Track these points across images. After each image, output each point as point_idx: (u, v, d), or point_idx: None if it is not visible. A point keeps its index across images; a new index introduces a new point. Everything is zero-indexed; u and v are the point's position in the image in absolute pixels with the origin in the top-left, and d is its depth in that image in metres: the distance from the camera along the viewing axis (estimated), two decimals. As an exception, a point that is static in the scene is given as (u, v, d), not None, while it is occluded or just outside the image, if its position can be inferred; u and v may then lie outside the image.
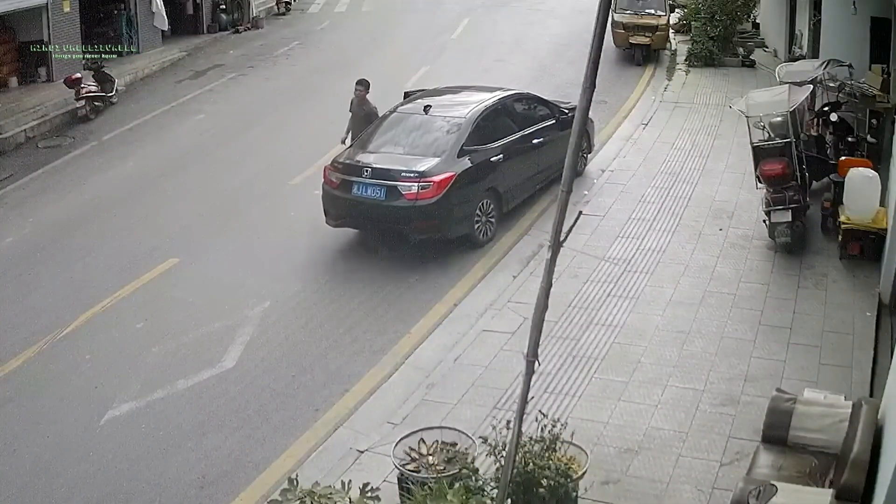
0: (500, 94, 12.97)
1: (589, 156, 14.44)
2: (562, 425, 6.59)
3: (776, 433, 6.82)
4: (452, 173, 11.17)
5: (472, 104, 12.45)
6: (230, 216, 13.22)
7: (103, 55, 20.10)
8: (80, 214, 13.67)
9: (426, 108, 12.31)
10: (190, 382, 9.10)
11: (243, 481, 7.67)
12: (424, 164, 11.23)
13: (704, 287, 10.47)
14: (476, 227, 11.57)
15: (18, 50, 19.68)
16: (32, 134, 17.54)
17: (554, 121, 13.35)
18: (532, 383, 5.28)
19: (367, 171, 11.29)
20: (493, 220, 11.87)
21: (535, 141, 12.75)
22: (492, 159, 11.83)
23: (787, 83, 12.82)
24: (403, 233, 11.28)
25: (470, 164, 11.48)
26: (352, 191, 11.33)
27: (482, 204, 11.62)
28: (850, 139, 12.88)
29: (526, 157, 12.58)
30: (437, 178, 11.03)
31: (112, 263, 11.81)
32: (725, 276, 10.72)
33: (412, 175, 11.07)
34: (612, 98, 18.11)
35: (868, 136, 13.05)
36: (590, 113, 4.85)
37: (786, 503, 5.74)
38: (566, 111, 13.66)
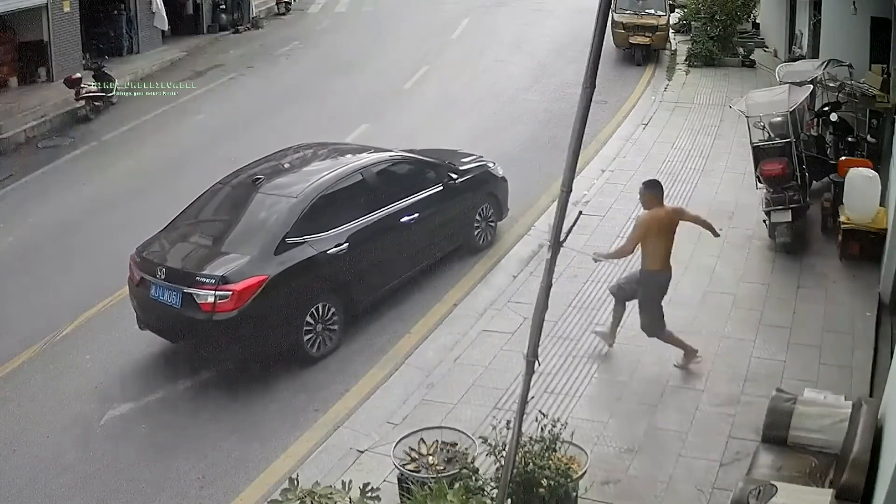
0: (359, 162, 10.35)
1: (500, 223, 12.10)
2: (562, 425, 6.60)
3: (776, 433, 6.83)
4: (262, 277, 8.71)
5: (314, 177, 9.85)
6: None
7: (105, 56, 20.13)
8: (80, 214, 13.67)
9: (256, 181, 9.84)
10: (190, 382, 9.11)
11: (243, 481, 7.67)
12: (226, 266, 8.74)
13: (704, 287, 10.47)
14: (307, 338, 9.15)
15: (18, 50, 19.68)
16: (32, 134, 17.52)
17: (441, 187, 10.89)
18: (532, 383, 5.28)
19: (161, 270, 8.97)
20: (333, 327, 9.41)
21: (405, 219, 10.29)
22: (329, 251, 9.30)
23: (787, 83, 12.81)
24: (200, 352, 9.17)
25: (293, 262, 9.01)
26: (150, 292, 9.04)
27: (316, 309, 9.21)
28: (850, 139, 12.88)
29: (389, 241, 10.11)
30: (238, 286, 8.55)
31: (112, 263, 11.76)
32: (725, 276, 10.72)
33: (208, 281, 8.62)
34: (612, 98, 18.11)
35: (868, 136, 13.06)
36: (588, 115, 4.81)
37: (786, 503, 5.74)
38: (460, 172, 11.32)
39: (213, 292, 8.56)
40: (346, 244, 9.45)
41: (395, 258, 10.22)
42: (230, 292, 8.54)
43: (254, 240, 9.11)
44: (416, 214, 10.42)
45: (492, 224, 11.77)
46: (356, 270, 9.62)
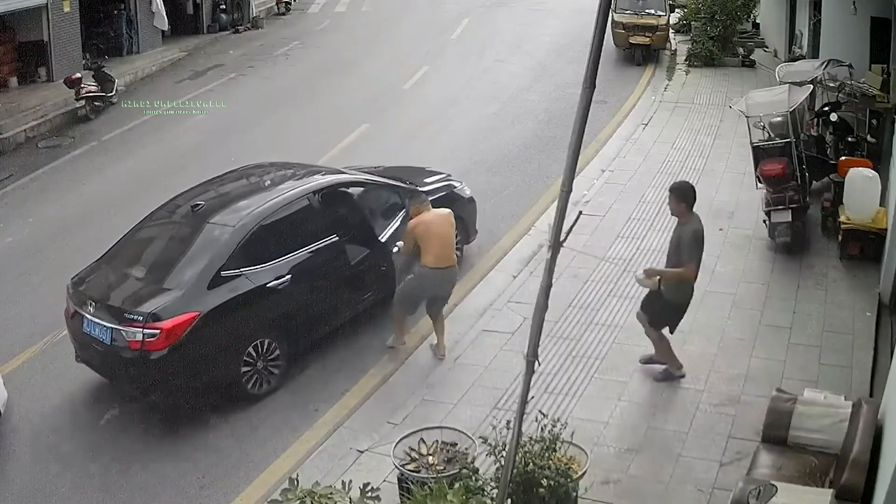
0: (306, 186, 9.54)
1: (468, 246, 11.26)
2: (562, 425, 6.60)
3: (776, 433, 6.83)
4: (192, 314, 8.11)
5: (256, 204, 9.14)
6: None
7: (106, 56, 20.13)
8: (80, 214, 13.67)
9: (195, 208, 9.15)
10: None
11: (243, 481, 7.68)
12: (155, 302, 8.19)
13: (704, 287, 10.43)
14: (246, 376, 8.57)
15: (18, 50, 19.69)
16: (32, 134, 17.53)
17: (404, 212, 9.97)
18: (532, 383, 5.28)
19: (91, 304, 8.49)
20: (276, 364, 8.83)
21: (359, 245, 9.65)
22: (269, 284, 8.64)
23: (787, 83, 12.81)
24: (130, 391, 8.63)
25: (228, 297, 8.38)
26: (83, 326, 8.57)
27: (256, 346, 8.61)
28: (850, 139, 12.89)
29: (340, 271, 9.43)
30: (166, 325, 7.98)
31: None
32: (725, 276, 10.72)
33: (136, 318, 8.08)
34: (612, 98, 18.12)
35: (868, 136, 13.05)
36: (588, 115, 4.81)
37: (786, 503, 5.74)
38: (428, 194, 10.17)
39: (141, 330, 8.01)
40: (288, 276, 8.77)
41: (346, 290, 9.52)
42: (158, 330, 7.97)
43: (186, 273, 8.48)
44: (371, 240, 9.75)
45: (457, 249, 10.12)
46: (301, 304, 8.95)
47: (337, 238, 9.38)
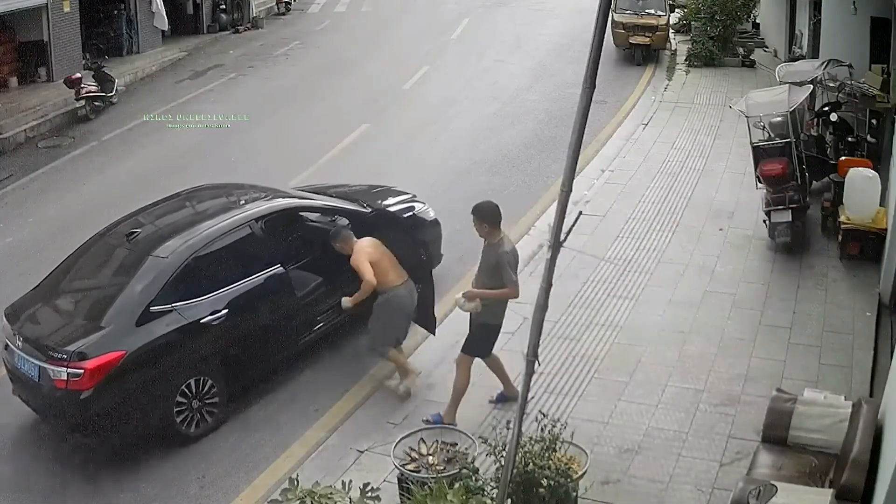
0: (248, 213, 8.94)
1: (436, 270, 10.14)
2: (562, 425, 6.60)
3: (776, 433, 6.83)
4: (119, 353, 7.61)
5: (192, 232, 8.59)
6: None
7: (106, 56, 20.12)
8: (80, 214, 13.65)
9: (130, 236, 8.66)
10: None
11: (243, 481, 7.68)
12: (81, 340, 7.70)
13: (704, 287, 10.47)
14: (181, 416, 8.10)
15: (18, 50, 19.68)
16: (32, 134, 17.53)
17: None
18: (532, 383, 5.27)
19: (19, 339, 8.06)
20: (213, 404, 8.32)
21: (305, 275, 9.18)
22: (203, 320, 8.11)
23: (787, 83, 12.82)
24: (61, 429, 8.11)
25: (158, 335, 7.88)
26: (14, 360, 8.16)
27: (189, 385, 8.11)
28: (850, 139, 12.90)
29: (284, 303, 8.84)
30: (90, 364, 7.50)
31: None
32: (725, 276, 10.72)
33: (61, 356, 7.62)
34: (612, 98, 18.12)
35: (868, 136, 13.06)
36: (588, 115, 4.79)
37: (786, 503, 5.74)
38: (387, 216, 9.77)
39: (65, 369, 7.56)
40: (224, 311, 8.22)
41: (294, 321, 8.95)
42: (82, 370, 7.50)
43: (115, 309, 7.98)
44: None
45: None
46: (241, 340, 8.44)
47: (282, 268, 8.81)
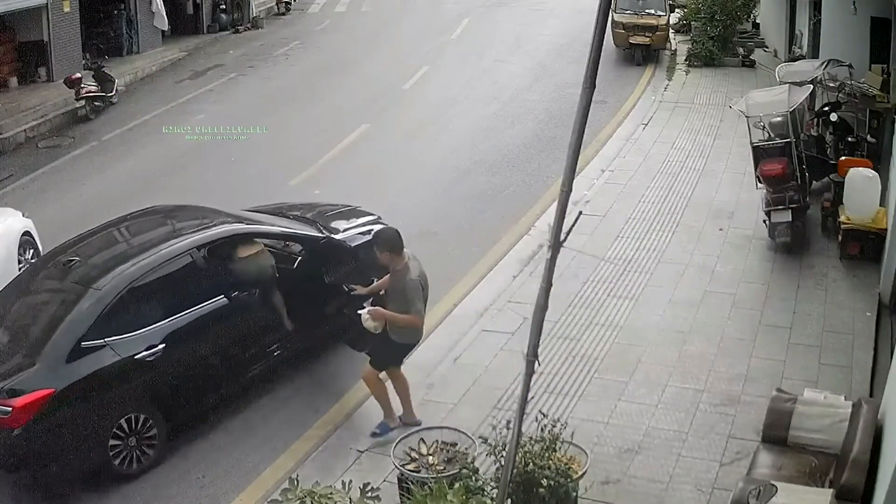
0: (190, 240, 8.41)
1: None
2: (562, 425, 6.60)
3: (776, 433, 6.84)
4: (47, 391, 7.21)
5: (128, 262, 8.10)
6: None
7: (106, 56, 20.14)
8: (80, 214, 13.62)
9: (68, 264, 8.25)
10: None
11: (243, 481, 7.67)
12: (10, 377, 7.34)
13: (704, 287, 10.47)
14: (117, 454, 7.63)
15: (18, 50, 19.69)
16: (32, 134, 17.53)
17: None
18: (532, 383, 5.27)
19: None
20: (151, 441, 7.84)
21: (245, 305, 8.61)
22: (138, 356, 7.66)
23: (787, 83, 12.82)
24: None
25: (89, 371, 7.44)
26: None
27: (125, 422, 7.65)
28: (850, 139, 12.90)
29: (226, 336, 8.36)
30: (18, 402, 7.12)
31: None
32: (725, 276, 10.73)
33: None
34: (612, 98, 18.13)
35: (868, 136, 13.06)
36: (588, 115, 4.79)
37: (786, 503, 5.74)
38: (334, 241, 9.16)
39: None
40: (161, 345, 7.77)
41: (237, 354, 8.47)
42: (11, 408, 7.12)
43: (46, 344, 7.54)
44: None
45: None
46: (181, 375, 8.00)
47: (226, 299, 8.33)
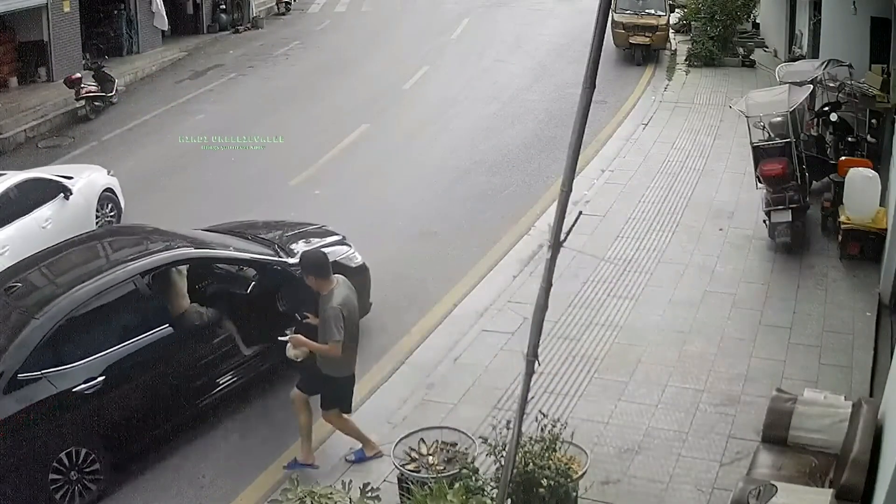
0: (134, 266, 8.04)
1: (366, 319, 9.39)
2: (562, 425, 6.60)
3: (776, 433, 6.84)
4: None
5: (70, 289, 7.74)
6: (230, 217, 13.16)
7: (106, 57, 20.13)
8: (80, 214, 13.65)
9: (9, 290, 8.00)
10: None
11: (243, 481, 7.67)
12: None
13: (704, 287, 10.47)
14: (58, 490, 7.28)
15: (18, 50, 19.69)
16: (32, 134, 17.53)
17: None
18: (532, 383, 5.27)
19: None
20: (94, 475, 7.49)
21: (193, 334, 8.35)
22: (76, 388, 7.32)
23: (787, 83, 12.83)
24: None
25: (24, 405, 7.14)
26: None
27: (65, 457, 7.30)
28: (850, 139, 12.90)
29: (171, 367, 8.04)
30: None
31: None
32: (725, 276, 10.73)
33: None
34: (612, 98, 18.13)
35: (868, 136, 13.06)
36: (588, 115, 4.79)
37: (786, 503, 5.75)
38: (286, 266, 8.71)
39: None
40: (101, 378, 7.43)
41: (184, 385, 8.12)
42: None
43: None
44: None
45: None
46: (124, 408, 7.66)
47: (170, 328, 7.99)
